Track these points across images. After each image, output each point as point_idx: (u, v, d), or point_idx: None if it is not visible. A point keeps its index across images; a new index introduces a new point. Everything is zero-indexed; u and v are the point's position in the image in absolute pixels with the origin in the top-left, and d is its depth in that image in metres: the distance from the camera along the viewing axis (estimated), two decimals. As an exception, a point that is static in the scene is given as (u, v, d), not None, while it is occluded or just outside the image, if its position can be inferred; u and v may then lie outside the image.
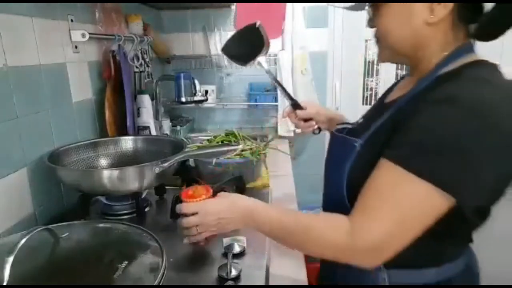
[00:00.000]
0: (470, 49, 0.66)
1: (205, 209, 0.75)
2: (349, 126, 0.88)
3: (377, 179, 0.62)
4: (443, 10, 0.62)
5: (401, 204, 0.58)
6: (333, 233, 0.63)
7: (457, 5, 0.62)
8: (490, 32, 0.65)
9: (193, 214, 0.75)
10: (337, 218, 0.65)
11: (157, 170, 0.94)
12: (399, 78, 0.89)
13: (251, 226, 0.73)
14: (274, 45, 2.00)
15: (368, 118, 0.81)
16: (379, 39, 0.72)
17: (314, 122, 1.12)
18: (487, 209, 0.64)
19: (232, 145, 1.04)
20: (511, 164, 0.57)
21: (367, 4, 0.72)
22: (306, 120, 1.12)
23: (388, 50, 0.72)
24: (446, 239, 0.66)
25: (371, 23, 0.72)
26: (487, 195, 0.60)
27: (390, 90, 0.84)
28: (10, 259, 0.53)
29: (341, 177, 0.71)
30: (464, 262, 0.72)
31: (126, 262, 0.60)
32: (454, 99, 0.56)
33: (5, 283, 0.51)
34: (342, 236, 0.62)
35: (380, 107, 0.79)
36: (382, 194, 0.60)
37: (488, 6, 0.62)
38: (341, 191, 0.71)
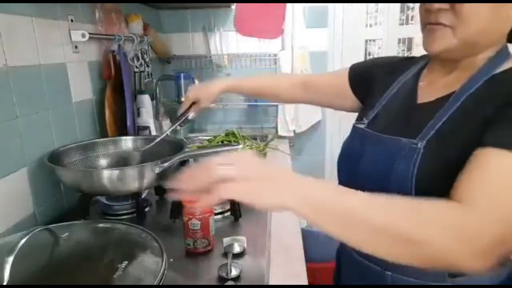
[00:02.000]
0: (509, 52, 0.66)
1: (243, 159, 0.50)
2: (362, 126, 0.79)
3: (493, 167, 0.53)
4: None
5: None
6: (454, 211, 0.50)
7: None
8: None
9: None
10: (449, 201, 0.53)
11: (157, 170, 0.94)
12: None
13: (303, 200, 0.46)
14: (274, 45, 2.01)
15: (399, 118, 0.73)
16: (453, 26, 0.62)
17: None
18: None
19: (232, 145, 1.04)
20: None
21: None
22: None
23: (457, 39, 0.63)
24: None
25: (443, 5, 0.62)
26: None
27: (409, 90, 0.76)
28: (10, 259, 0.53)
29: (407, 181, 0.63)
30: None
31: (126, 262, 0.60)
32: None
33: (5, 283, 0.51)
34: (466, 215, 0.49)
35: (412, 107, 0.72)
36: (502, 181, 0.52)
37: None
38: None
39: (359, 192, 0.49)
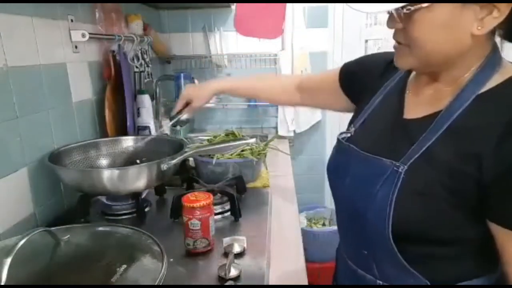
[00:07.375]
0: (500, 59, 0.61)
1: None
2: (348, 135, 0.78)
3: None
4: (493, 21, 0.55)
5: None
6: None
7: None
8: None
9: None
10: None
11: (165, 167, 0.95)
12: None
13: None
14: (274, 45, 2.01)
15: (385, 134, 0.71)
16: (409, 45, 0.61)
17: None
18: None
19: (244, 139, 1.04)
20: None
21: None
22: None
23: (415, 58, 0.62)
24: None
25: (396, 24, 0.60)
26: None
27: (395, 99, 0.73)
28: (8, 260, 0.52)
29: (384, 210, 0.62)
30: None
31: (125, 266, 0.59)
32: None
33: (2, 283, 0.51)
34: None
35: (398, 123, 0.69)
36: None
37: None
38: (384, 227, 0.62)
39: None
